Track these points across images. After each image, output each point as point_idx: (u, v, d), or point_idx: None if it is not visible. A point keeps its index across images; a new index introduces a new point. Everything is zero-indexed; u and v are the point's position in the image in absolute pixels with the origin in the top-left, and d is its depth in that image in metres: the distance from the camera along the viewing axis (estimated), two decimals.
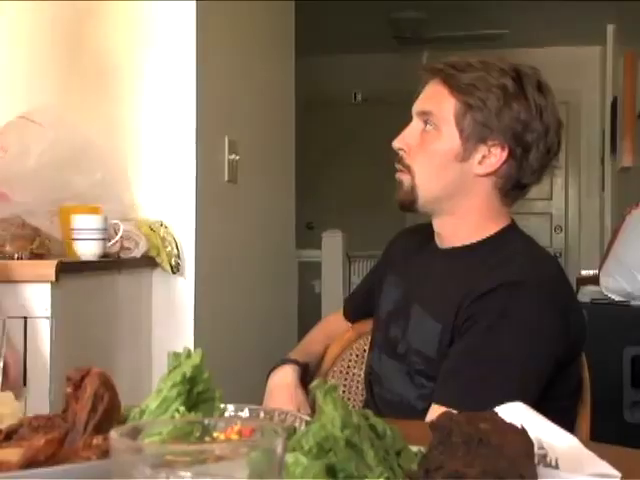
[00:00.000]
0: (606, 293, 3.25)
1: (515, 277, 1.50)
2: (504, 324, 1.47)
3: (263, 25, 3.32)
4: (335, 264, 4.84)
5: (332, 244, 4.89)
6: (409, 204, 1.62)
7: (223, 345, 2.86)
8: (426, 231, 1.71)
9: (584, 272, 4.37)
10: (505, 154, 1.56)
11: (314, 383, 0.85)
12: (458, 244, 1.62)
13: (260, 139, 3.22)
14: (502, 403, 1.29)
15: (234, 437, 0.85)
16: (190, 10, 2.63)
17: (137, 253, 2.44)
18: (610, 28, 7.09)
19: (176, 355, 0.83)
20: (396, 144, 1.63)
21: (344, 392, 1.90)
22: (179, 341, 2.60)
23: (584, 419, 1.66)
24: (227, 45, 2.92)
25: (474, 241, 1.60)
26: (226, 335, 2.91)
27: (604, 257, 3.41)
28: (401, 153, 1.63)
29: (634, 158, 6.04)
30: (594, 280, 3.40)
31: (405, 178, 1.61)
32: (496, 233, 1.60)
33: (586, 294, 3.35)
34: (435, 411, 1.41)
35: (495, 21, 6.91)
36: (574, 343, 1.56)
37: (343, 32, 7.07)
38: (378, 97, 7.63)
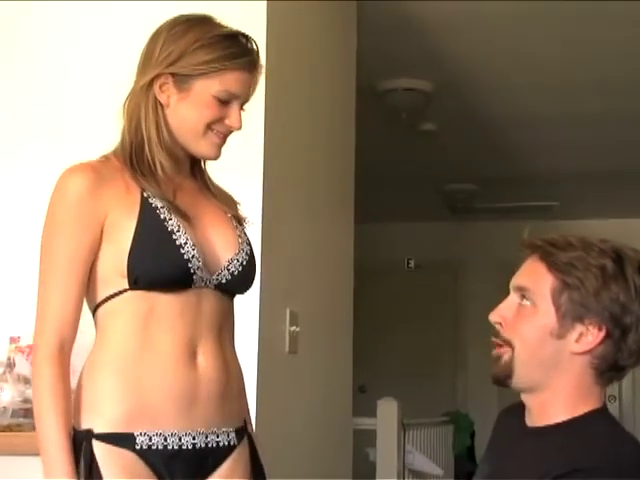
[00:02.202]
0: None
1: (592, 463, 1.43)
2: None
3: (325, 194, 3.36)
4: (390, 432, 4.73)
5: (387, 412, 4.80)
6: (504, 378, 1.59)
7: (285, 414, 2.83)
8: (519, 409, 1.66)
9: None
10: (602, 334, 1.51)
11: None
12: (546, 422, 1.56)
13: (320, 308, 3.20)
14: None
15: None
16: (257, 181, 2.67)
17: None
18: None
19: None
20: (492, 317, 1.61)
21: None
22: None
23: None
24: (292, 214, 2.95)
25: (561, 420, 1.54)
26: (289, 411, 2.88)
27: None
28: (497, 327, 1.60)
29: None
30: None
31: (505, 352, 1.58)
32: (585, 414, 1.54)
33: None
34: None
35: (544, 193, 6.96)
36: None
37: (398, 202, 7.16)
38: (430, 264, 7.66)
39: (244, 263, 1.78)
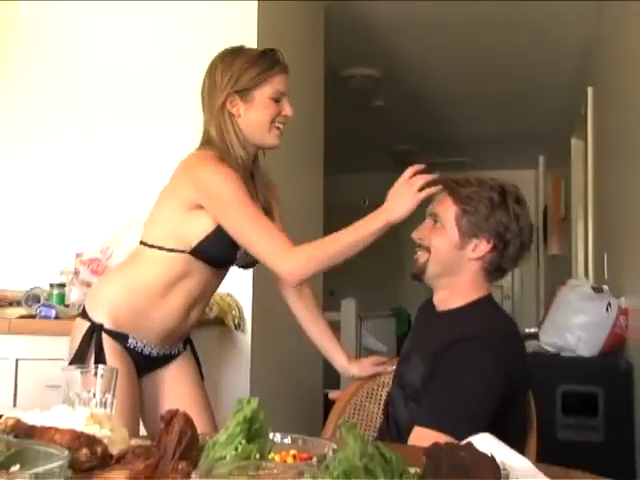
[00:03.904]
0: (544, 346, 3.18)
1: (472, 333, 1.46)
2: (463, 367, 1.43)
3: (300, 154, 3.32)
4: (350, 323, 4.78)
5: (348, 308, 4.84)
6: (420, 275, 1.61)
7: (272, 384, 2.81)
8: (431, 301, 1.67)
9: (527, 330, 4.29)
10: (490, 246, 1.55)
11: (339, 422, 0.82)
12: (448, 308, 1.59)
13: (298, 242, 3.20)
14: (465, 424, 1.27)
15: (290, 460, 0.81)
16: None
17: (211, 315, 2.42)
18: (541, 158, 7.13)
19: (239, 401, 0.80)
20: (414, 235, 1.62)
21: (360, 421, 1.83)
22: (238, 379, 2.56)
23: (533, 442, 1.59)
24: (276, 171, 2.91)
25: (459, 305, 1.57)
26: (275, 374, 2.86)
27: (542, 320, 3.35)
28: (418, 241, 1.62)
29: (559, 248, 6.03)
30: (535, 336, 3.34)
31: (422, 256, 1.60)
32: (474, 300, 1.57)
33: (529, 346, 3.26)
34: (416, 432, 1.39)
35: (461, 152, 6.98)
36: (515, 384, 1.49)
37: (356, 159, 7.15)
38: (380, 202, 7.67)
39: None
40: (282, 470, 0.57)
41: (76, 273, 2.37)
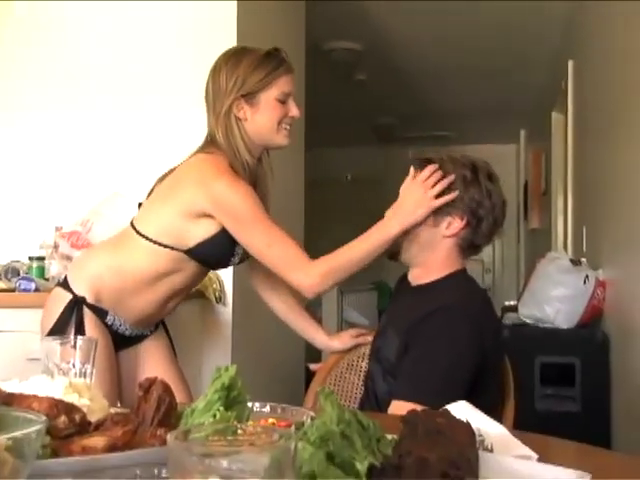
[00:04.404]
0: (523, 318, 3.22)
1: (449, 302, 1.47)
2: (439, 338, 1.43)
3: None
4: (332, 296, 4.80)
5: None
6: (395, 255, 1.61)
7: (253, 357, 2.82)
8: (407, 276, 1.68)
9: (507, 303, 4.34)
10: (464, 223, 1.55)
11: (318, 389, 0.83)
12: (423, 282, 1.60)
13: (276, 213, 3.20)
14: (441, 394, 1.28)
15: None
16: None
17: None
18: (522, 132, 7.15)
19: (218, 369, 0.80)
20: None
21: (340, 392, 1.85)
22: (220, 352, 2.56)
23: (510, 411, 1.61)
24: None
25: (433, 279, 1.58)
26: (256, 347, 2.87)
27: (521, 292, 3.39)
28: None
29: (540, 222, 6.07)
30: (514, 309, 3.38)
31: None
32: (450, 273, 1.58)
33: (509, 319, 3.32)
34: (394, 405, 1.39)
35: (441, 125, 6.98)
36: (489, 355, 1.50)
37: (338, 133, 7.13)
38: (362, 178, 7.69)
39: None
40: (260, 434, 0.58)
41: (56, 247, 2.35)
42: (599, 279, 3.08)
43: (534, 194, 6.25)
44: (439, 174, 1.56)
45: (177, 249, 1.65)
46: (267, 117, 1.68)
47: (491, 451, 0.92)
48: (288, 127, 1.72)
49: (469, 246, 1.59)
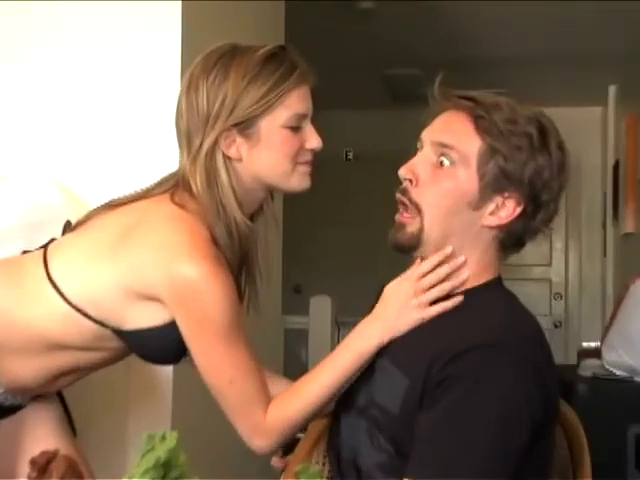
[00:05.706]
0: (609, 367, 3.24)
1: (492, 334, 1.45)
2: (480, 394, 1.40)
3: None
4: (323, 330, 4.80)
5: (321, 309, 4.85)
6: (409, 249, 1.58)
7: (202, 419, 2.82)
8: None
9: (585, 344, 4.36)
10: (519, 210, 1.51)
11: (298, 467, 0.84)
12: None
13: None
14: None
15: None
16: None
17: None
18: (612, 89, 7.16)
19: (150, 437, 0.81)
20: (403, 172, 1.56)
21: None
22: (155, 411, 2.57)
23: None
24: None
25: (459, 291, 1.55)
26: (204, 407, 2.87)
27: (607, 329, 3.40)
28: (406, 184, 1.56)
29: (637, 224, 6.04)
30: (596, 353, 3.39)
31: (411, 223, 1.55)
32: (479, 286, 1.56)
33: (588, 368, 3.33)
34: None
35: (492, 79, 6.97)
36: (551, 418, 1.50)
37: (335, 88, 7.12)
38: (370, 155, 7.65)
39: None
40: None
41: None
42: None
43: (629, 181, 6.26)
44: (443, 272, 1.53)
45: (106, 326, 1.65)
46: (273, 153, 1.65)
47: None
48: (308, 164, 1.69)
49: (514, 243, 1.57)
